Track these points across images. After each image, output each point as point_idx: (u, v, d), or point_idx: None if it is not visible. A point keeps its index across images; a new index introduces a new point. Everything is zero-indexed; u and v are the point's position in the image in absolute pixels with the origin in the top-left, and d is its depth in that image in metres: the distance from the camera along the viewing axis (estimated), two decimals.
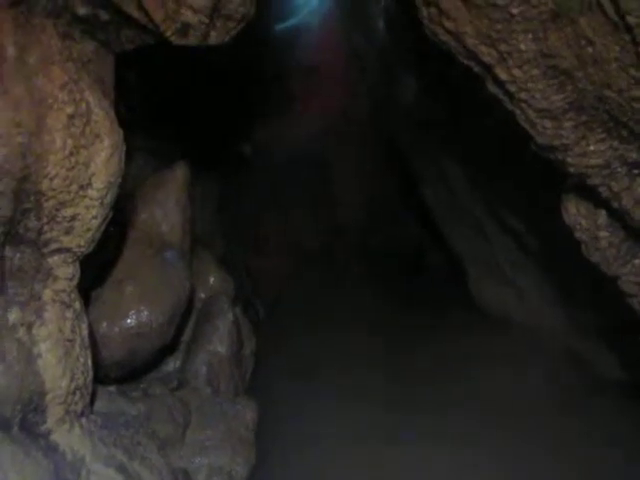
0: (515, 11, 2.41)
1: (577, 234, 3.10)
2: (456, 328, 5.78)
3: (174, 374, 4.28)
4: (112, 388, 3.64)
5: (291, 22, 6.38)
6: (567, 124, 2.60)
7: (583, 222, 3.05)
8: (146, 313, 3.60)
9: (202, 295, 4.54)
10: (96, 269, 3.63)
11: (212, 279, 4.58)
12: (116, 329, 3.58)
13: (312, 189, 6.86)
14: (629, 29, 2.19)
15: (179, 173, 4.03)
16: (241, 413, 4.08)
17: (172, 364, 4.32)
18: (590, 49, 2.36)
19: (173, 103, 4.59)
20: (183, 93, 4.60)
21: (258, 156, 7.13)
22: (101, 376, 3.56)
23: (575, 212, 3.03)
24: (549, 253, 4.62)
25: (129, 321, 3.58)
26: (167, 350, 4.04)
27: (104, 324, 3.57)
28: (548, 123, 2.63)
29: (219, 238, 6.06)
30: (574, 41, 2.38)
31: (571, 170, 2.74)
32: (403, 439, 4.07)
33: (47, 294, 2.70)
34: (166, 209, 3.95)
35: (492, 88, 2.70)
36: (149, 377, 4.15)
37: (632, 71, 2.32)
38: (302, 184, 6.55)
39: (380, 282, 6.97)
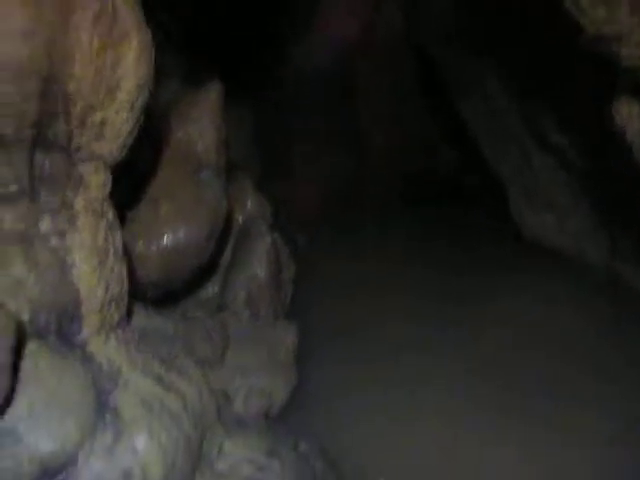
0: None
1: (629, 136, 2.93)
2: (495, 255, 5.62)
3: (213, 299, 4.25)
4: (150, 307, 3.60)
5: None
6: (622, 9, 2.41)
7: (635, 123, 2.87)
8: (183, 231, 3.55)
9: (240, 219, 4.47)
10: (131, 187, 3.57)
11: (249, 203, 4.52)
12: (152, 248, 3.54)
13: (343, 113, 6.67)
14: None
15: (213, 92, 3.94)
16: (281, 336, 4.05)
17: (211, 289, 4.29)
18: None
19: (206, 27, 4.45)
20: (215, 16, 4.45)
21: (290, 80, 6.98)
22: (138, 296, 3.53)
23: (628, 112, 2.86)
24: (593, 170, 4.42)
25: (165, 239, 3.54)
26: (205, 273, 3.99)
27: (140, 243, 3.53)
28: (600, 10, 2.44)
29: (255, 163, 5.97)
30: None
31: (625, 63, 2.56)
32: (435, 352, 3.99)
33: (79, 202, 2.65)
34: (201, 128, 3.87)
35: None
36: (188, 301, 4.12)
37: None
38: (333, 108, 6.39)
39: (417, 209, 6.82)
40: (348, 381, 3.73)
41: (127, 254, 3.16)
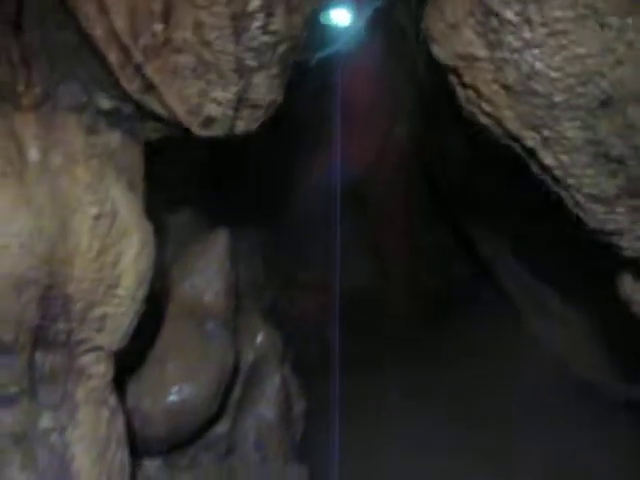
0: (558, 99, 2.23)
1: (634, 309, 2.90)
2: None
3: (222, 439, 4.20)
4: (154, 465, 3.58)
5: (325, 56, 6.22)
6: (620, 209, 2.41)
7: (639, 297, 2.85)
8: (188, 390, 3.52)
9: (250, 355, 4.44)
10: (139, 344, 3.56)
11: (259, 338, 4.47)
12: (159, 406, 3.51)
13: (355, 233, 6.71)
14: None
15: (219, 240, 3.94)
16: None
17: (221, 427, 4.24)
18: None
19: (212, 165, 4.51)
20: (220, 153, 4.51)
21: (299, 201, 7.05)
22: (145, 451, 3.51)
23: (631, 288, 2.83)
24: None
25: (172, 398, 3.52)
26: (213, 419, 3.95)
27: (147, 401, 3.51)
28: (599, 208, 2.44)
29: (266, 286, 5.97)
30: (625, 130, 2.19)
31: (626, 254, 2.54)
32: None
33: (80, 394, 2.64)
34: (208, 278, 3.88)
35: (536, 171, 2.52)
36: (197, 443, 4.08)
37: None
38: (344, 228, 6.43)
39: (428, 324, 6.78)
40: None
41: (133, 412, 3.16)
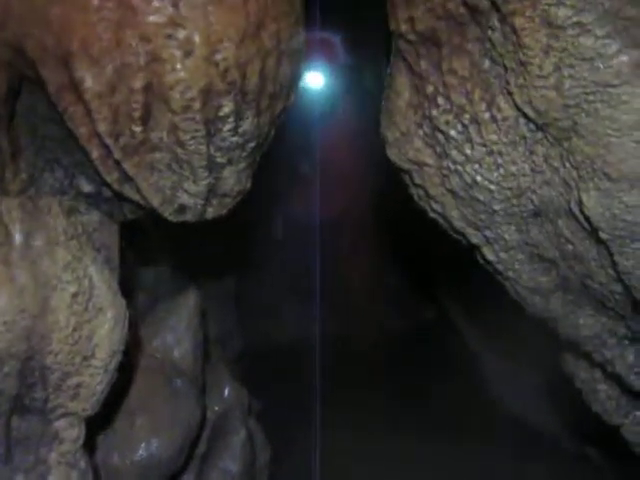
0: (497, 207, 2.49)
1: (577, 384, 3.13)
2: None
3: None
4: None
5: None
6: (555, 301, 2.66)
7: (581, 374, 3.07)
8: (156, 445, 3.67)
9: (216, 407, 4.60)
10: (108, 399, 3.72)
11: (226, 392, 4.64)
12: (127, 461, 3.65)
13: (327, 279, 6.91)
14: (602, 241, 2.25)
15: (190, 299, 4.12)
16: None
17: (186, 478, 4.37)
18: (570, 246, 2.42)
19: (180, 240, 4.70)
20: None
21: (273, 248, 7.26)
22: None
23: (573, 364, 3.06)
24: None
25: (139, 453, 3.65)
26: (180, 472, 4.10)
27: (115, 455, 3.65)
28: (537, 299, 2.69)
29: (236, 335, 6.15)
30: (554, 237, 2.44)
31: (562, 338, 2.79)
32: None
33: (53, 457, 2.79)
34: (178, 335, 4.05)
35: (482, 262, 2.77)
36: None
37: (610, 271, 2.37)
38: (316, 274, 6.64)
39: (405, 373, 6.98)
40: None
41: (102, 466, 3.32)
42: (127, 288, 2.97)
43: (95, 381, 2.80)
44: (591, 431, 4.78)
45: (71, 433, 2.85)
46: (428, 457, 5.40)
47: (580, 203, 2.18)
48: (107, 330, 2.76)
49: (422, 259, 6.95)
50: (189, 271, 4.60)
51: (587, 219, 2.19)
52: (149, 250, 4.43)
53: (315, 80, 6.63)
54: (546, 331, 3.43)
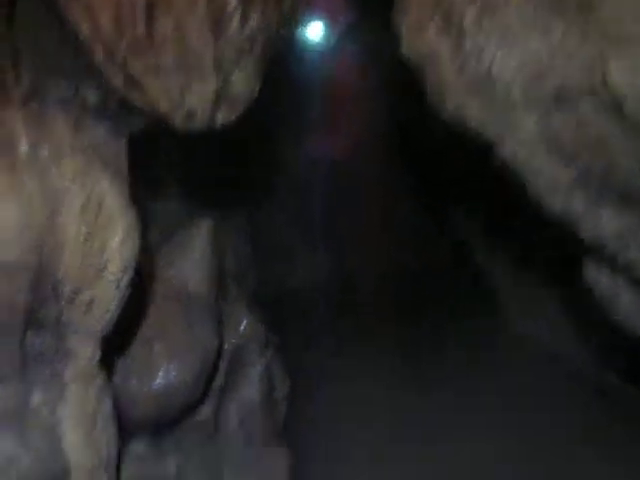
0: (515, 95, 2.39)
1: (598, 293, 3.04)
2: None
3: (207, 422, 4.33)
4: (140, 446, 3.71)
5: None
6: (576, 199, 2.57)
7: (604, 282, 2.99)
8: (174, 372, 3.65)
9: (233, 340, 4.57)
10: (126, 326, 3.70)
11: (243, 325, 4.60)
12: (145, 388, 3.64)
13: (340, 220, 6.85)
14: (626, 117, 2.16)
15: (204, 228, 4.07)
16: (274, 461, 4.11)
17: (205, 412, 4.36)
18: (592, 132, 2.33)
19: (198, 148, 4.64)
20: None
21: (285, 185, 7.19)
22: (132, 432, 3.64)
23: (595, 272, 2.98)
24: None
25: (157, 380, 3.64)
26: (198, 402, 4.08)
27: (133, 382, 3.64)
28: (557, 198, 2.60)
29: (251, 271, 6.11)
30: (576, 124, 2.35)
31: (585, 242, 2.70)
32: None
33: (68, 374, 2.77)
34: (193, 264, 4.01)
35: (498, 163, 2.68)
36: (182, 426, 4.20)
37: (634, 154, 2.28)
38: (330, 215, 6.59)
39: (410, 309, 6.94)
40: None
41: (122, 392, 3.30)
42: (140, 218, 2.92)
43: (108, 295, 2.76)
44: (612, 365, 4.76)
45: (86, 350, 2.83)
46: (441, 389, 5.36)
47: (604, 76, 2.08)
48: (118, 242, 2.71)
49: (437, 194, 6.84)
50: (201, 212, 4.54)
51: (611, 93, 2.09)
52: (161, 187, 4.37)
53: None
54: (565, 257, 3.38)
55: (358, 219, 7.61)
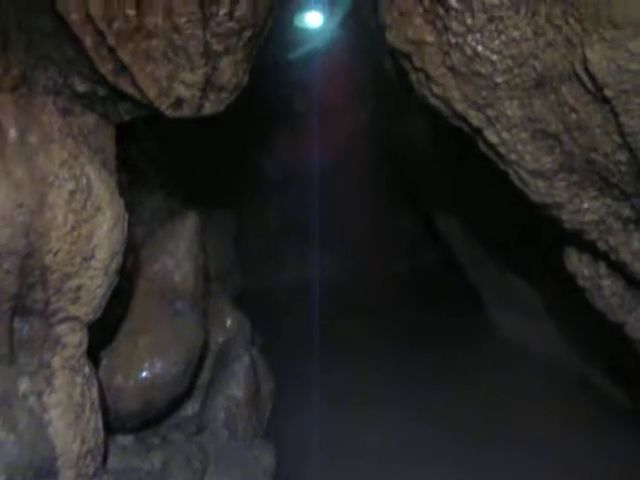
0: (499, 80, 2.44)
1: (580, 282, 3.10)
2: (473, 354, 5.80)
3: (193, 418, 4.33)
4: (128, 439, 3.70)
5: (297, 54, 6.45)
6: (559, 184, 2.62)
7: (585, 271, 3.05)
8: (159, 366, 3.66)
9: (219, 338, 4.59)
10: (110, 321, 3.71)
11: (228, 321, 4.63)
12: (130, 382, 3.64)
13: (324, 219, 6.87)
14: (607, 101, 2.21)
15: (189, 223, 4.08)
16: (259, 458, 4.11)
17: (190, 408, 4.37)
18: (574, 115, 2.39)
19: (184, 144, 4.66)
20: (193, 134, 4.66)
21: (271, 186, 7.22)
22: (118, 426, 3.64)
23: (577, 261, 3.04)
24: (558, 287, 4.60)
25: (143, 374, 3.64)
26: (184, 397, 4.09)
27: (119, 377, 3.63)
28: (540, 182, 2.65)
29: (236, 272, 6.13)
30: (558, 108, 2.40)
31: (567, 226, 2.75)
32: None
33: (56, 362, 2.78)
34: (177, 259, 4.01)
35: (483, 149, 2.73)
36: (168, 422, 4.21)
37: (615, 137, 2.33)
38: (314, 215, 6.61)
39: (399, 311, 6.98)
40: None
41: (106, 387, 3.31)
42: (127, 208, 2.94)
43: (95, 283, 2.77)
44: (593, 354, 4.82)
45: (73, 338, 2.84)
46: (421, 383, 5.39)
47: (585, 61, 2.14)
48: (106, 230, 2.73)
49: (425, 198, 6.90)
50: (190, 201, 4.56)
51: (592, 77, 2.16)
52: (146, 185, 4.39)
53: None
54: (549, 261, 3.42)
55: (344, 219, 7.64)
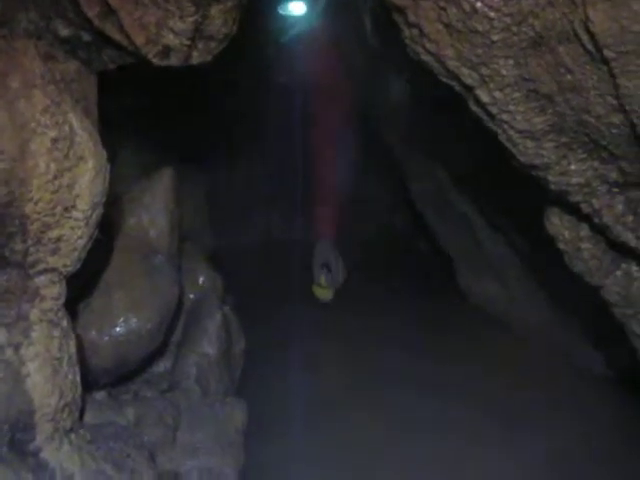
0: (496, 38, 2.41)
1: (560, 245, 3.12)
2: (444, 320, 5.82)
3: (165, 375, 4.31)
4: (102, 395, 3.67)
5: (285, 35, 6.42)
6: (548, 144, 2.62)
7: (566, 233, 3.07)
8: (134, 320, 3.62)
9: (191, 295, 4.56)
10: (85, 276, 3.64)
11: (201, 279, 4.59)
12: (105, 337, 3.60)
13: (299, 183, 6.85)
14: (606, 62, 2.20)
15: (165, 178, 4.03)
16: (230, 414, 4.12)
17: (162, 365, 4.36)
18: (569, 76, 2.37)
19: (163, 105, 4.58)
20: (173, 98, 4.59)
21: (245, 147, 7.15)
22: (92, 382, 3.60)
23: (558, 223, 3.06)
24: (535, 250, 4.65)
25: (118, 329, 3.60)
26: (156, 353, 4.06)
27: (93, 332, 3.59)
28: (529, 143, 2.65)
29: (208, 231, 6.08)
30: (553, 68, 2.39)
31: (552, 187, 2.76)
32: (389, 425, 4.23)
33: (34, 314, 2.72)
34: (153, 214, 3.96)
35: (474, 108, 2.71)
36: (140, 379, 4.18)
37: (609, 99, 2.33)
38: (288, 177, 6.56)
39: (370, 271, 7.00)
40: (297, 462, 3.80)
41: (81, 342, 3.26)
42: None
43: (76, 234, 2.71)
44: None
45: (52, 290, 2.78)
46: (394, 348, 5.43)
47: (586, 20, 2.12)
48: (88, 180, 2.66)
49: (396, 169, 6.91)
50: (166, 158, 4.48)
51: (592, 37, 2.14)
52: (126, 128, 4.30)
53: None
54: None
55: (316, 180, 7.61)
